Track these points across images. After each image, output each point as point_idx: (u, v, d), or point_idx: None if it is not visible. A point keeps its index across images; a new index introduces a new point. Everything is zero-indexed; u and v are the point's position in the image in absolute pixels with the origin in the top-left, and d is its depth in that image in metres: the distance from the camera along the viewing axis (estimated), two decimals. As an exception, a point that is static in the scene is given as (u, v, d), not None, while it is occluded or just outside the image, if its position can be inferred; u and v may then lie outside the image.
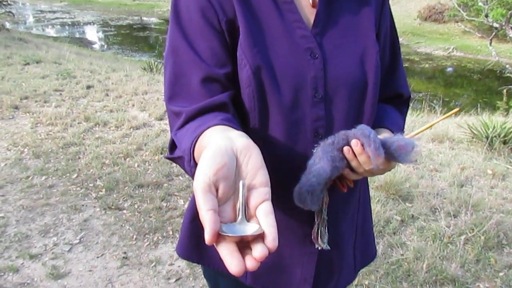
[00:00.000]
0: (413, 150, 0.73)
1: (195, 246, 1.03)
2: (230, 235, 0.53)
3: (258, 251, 0.52)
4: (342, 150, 0.77)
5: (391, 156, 0.75)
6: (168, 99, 0.82)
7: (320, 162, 0.76)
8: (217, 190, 0.56)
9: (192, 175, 0.70)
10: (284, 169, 0.82)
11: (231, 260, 0.51)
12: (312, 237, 0.90)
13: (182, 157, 0.73)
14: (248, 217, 0.57)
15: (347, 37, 0.86)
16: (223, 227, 0.54)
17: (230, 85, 0.82)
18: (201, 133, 0.69)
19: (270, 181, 0.65)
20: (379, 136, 0.76)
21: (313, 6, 0.85)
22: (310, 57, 0.82)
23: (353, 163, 0.78)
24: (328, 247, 0.89)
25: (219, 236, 0.53)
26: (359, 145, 0.75)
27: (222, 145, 0.59)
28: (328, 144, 0.77)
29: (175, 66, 0.81)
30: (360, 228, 1.06)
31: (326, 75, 0.83)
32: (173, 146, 0.80)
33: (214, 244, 0.53)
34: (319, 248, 0.90)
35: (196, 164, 0.69)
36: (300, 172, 0.78)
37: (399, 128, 0.94)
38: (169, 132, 0.84)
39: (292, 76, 0.81)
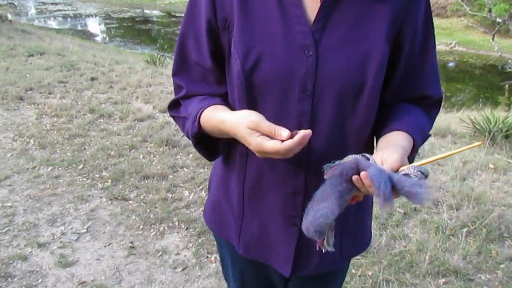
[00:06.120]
0: (424, 196, 0.70)
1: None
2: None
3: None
4: (350, 180, 0.76)
5: (401, 195, 0.73)
6: (174, 73, 1.00)
7: (328, 199, 0.77)
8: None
9: (190, 134, 0.93)
10: (269, 158, 0.83)
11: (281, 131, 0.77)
12: (318, 242, 0.88)
13: (185, 118, 0.95)
14: None
15: (351, 36, 0.83)
16: None
17: (223, 79, 0.96)
18: (208, 105, 0.91)
19: (257, 170, 0.94)
20: (391, 160, 0.75)
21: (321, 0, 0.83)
22: (304, 54, 0.83)
23: (363, 190, 0.77)
24: (333, 250, 0.87)
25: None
26: (368, 180, 0.73)
27: (245, 111, 0.83)
28: (336, 175, 0.76)
29: (182, 48, 0.96)
30: (353, 215, 1.03)
31: (318, 73, 0.83)
32: (175, 104, 1.01)
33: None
34: (324, 250, 0.88)
35: (199, 126, 0.91)
36: (283, 162, 0.89)
37: (419, 130, 0.91)
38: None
39: (281, 73, 0.83)
